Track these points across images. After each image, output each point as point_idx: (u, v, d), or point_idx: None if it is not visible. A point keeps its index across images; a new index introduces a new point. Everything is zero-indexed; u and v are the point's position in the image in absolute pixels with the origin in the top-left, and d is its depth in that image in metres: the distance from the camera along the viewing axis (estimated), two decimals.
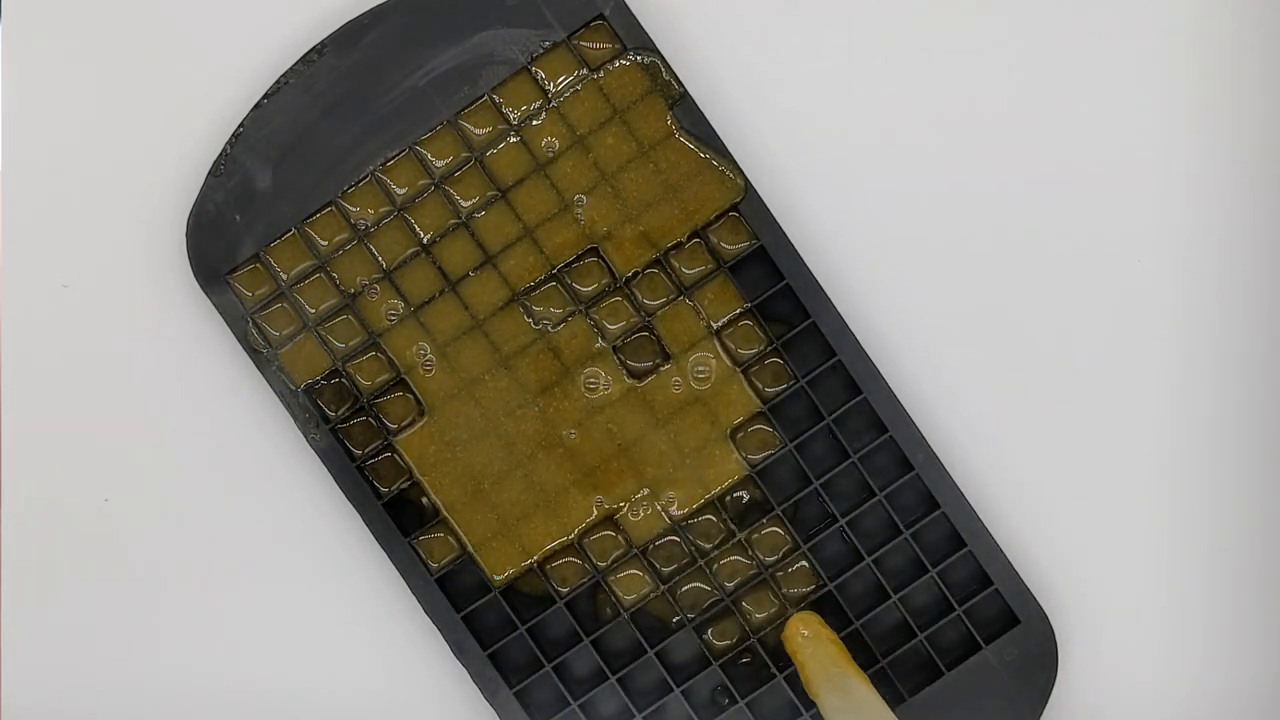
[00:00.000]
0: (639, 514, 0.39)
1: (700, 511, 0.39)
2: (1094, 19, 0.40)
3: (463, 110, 0.39)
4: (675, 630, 0.39)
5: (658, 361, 0.39)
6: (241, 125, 0.39)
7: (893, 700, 0.39)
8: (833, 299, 0.39)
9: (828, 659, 0.37)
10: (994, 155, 0.40)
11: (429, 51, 0.39)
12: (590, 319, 0.39)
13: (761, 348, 0.39)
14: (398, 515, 0.39)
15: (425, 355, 0.39)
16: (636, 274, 0.39)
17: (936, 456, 0.39)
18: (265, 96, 0.39)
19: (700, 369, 0.39)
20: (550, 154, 0.39)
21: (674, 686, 0.39)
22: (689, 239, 0.39)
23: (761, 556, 0.39)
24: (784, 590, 0.39)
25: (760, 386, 0.39)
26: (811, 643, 0.37)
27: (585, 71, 0.39)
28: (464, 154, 0.39)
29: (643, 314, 0.39)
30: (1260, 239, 0.40)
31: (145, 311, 0.40)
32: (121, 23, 0.40)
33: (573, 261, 0.39)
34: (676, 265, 0.39)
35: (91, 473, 0.40)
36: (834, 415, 0.39)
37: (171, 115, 0.40)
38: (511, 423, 0.39)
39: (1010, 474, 0.40)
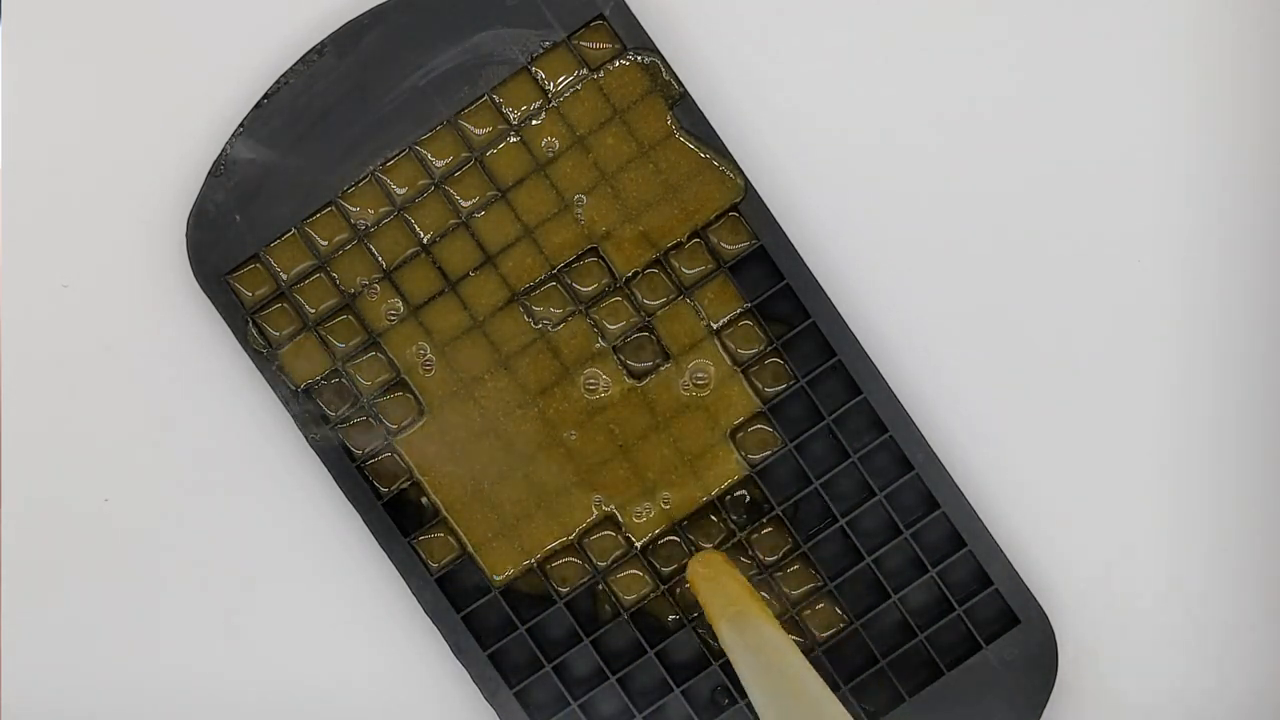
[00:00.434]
0: (639, 514, 0.39)
1: (700, 511, 0.39)
2: (1094, 19, 0.40)
3: (463, 110, 0.39)
4: (675, 630, 0.39)
5: (658, 361, 0.39)
6: (241, 125, 0.39)
7: (893, 700, 0.39)
8: (833, 299, 0.39)
9: (724, 597, 0.36)
10: (994, 155, 0.40)
11: (429, 51, 0.39)
12: (590, 319, 0.39)
13: (761, 348, 0.39)
14: (398, 515, 0.39)
15: (425, 355, 0.39)
16: (636, 274, 0.39)
17: (936, 456, 0.39)
18: (265, 96, 0.39)
19: (700, 374, 0.39)
20: (550, 154, 0.39)
21: (674, 686, 0.39)
22: (689, 239, 0.39)
23: (761, 556, 0.39)
24: (784, 590, 0.39)
25: (760, 386, 0.39)
26: (710, 581, 0.36)
27: (585, 71, 0.39)
28: (464, 154, 0.39)
29: (643, 314, 0.39)
30: (1260, 239, 0.40)
31: (145, 311, 0.40)
32: (121, 23, 0.40)
33: (573, 261, 0.39)
34: (676, 265, 0.39)
35: (91, 473, 0.40)
36: (834, 415, 0.39)
37: (171, 115, 0.40)
38: (511, 423, 0.39)
39: (1010, 474, 0.40)
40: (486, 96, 0.39)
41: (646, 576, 0.39)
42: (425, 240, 0.39)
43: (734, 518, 0.39)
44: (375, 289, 0.39)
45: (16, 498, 0.41)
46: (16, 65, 0.40)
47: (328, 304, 0.39)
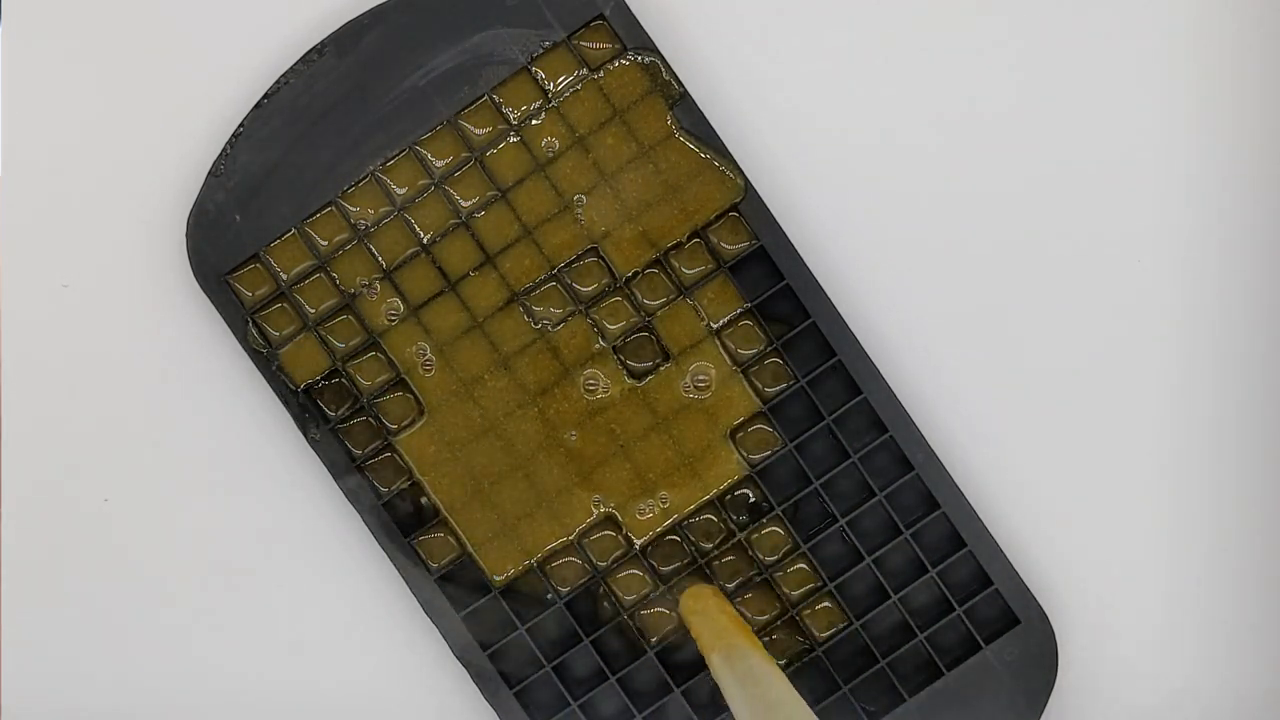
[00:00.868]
0: (639, 514, 0.39)
1: (700, 511, 0.39)
2: (1094, 19, 0.40)
3: (463, 110, 0.39)
4: (675, 631, 0.39)
5: (658, 362, 0.39)
6: (241, 125, 0.39)
7: (893, 700, 0.39)
8: (833, 299, 0.39)
9: (715, 630, 0.36)
10: (994, 155, 0.40)
11: (429, 51, 0.39)
12: (590, 319, 0.39)
13: (761, 348, 0.39)
14: (398, 515, 0.39)
15: (425, 355, 0.39)
16: (636, 274, 0.39)
17: (936, 456, 0.39)
18: (265, 96, 0.39)
19: (700, 374, 0.39)
20: (550, 154, 0.39)
21: (674, 687, 0.39)
22: (689, 239, 0.39)
23: (761, 556, 0.39)
24: (784, 590, 0.39)
25: (760, 386, 0.39)
26: (700, 614, 0.37)
27: (585, 71, 0.39)
28: (464, 154, 0.39)
29: (643, 314, 0.39)
30: (1260, 239, 0.40)
31: (145, 311, 0.40)
32: (121, 23, 0.40)
33: (573, 261, 0.39)
34: (676, 265, 0.39)
35: (91, 473, 0.40)
36: (834, 415, 0.39)
37: (171, 115, 0.40)
38: (511, 423, 0.39)
39: (1010, 474, 0.40)
40: (486, 96, 0.39)
41: (646, 576, 0.39)
42: (425, 240, 0.39)
43: (734, 518, 0.39)
44: (375, 289, 0.39)
45: (16, 498, 0.41)
46: (16, 65, 0.40)
47: (328, 304, 0.39)
